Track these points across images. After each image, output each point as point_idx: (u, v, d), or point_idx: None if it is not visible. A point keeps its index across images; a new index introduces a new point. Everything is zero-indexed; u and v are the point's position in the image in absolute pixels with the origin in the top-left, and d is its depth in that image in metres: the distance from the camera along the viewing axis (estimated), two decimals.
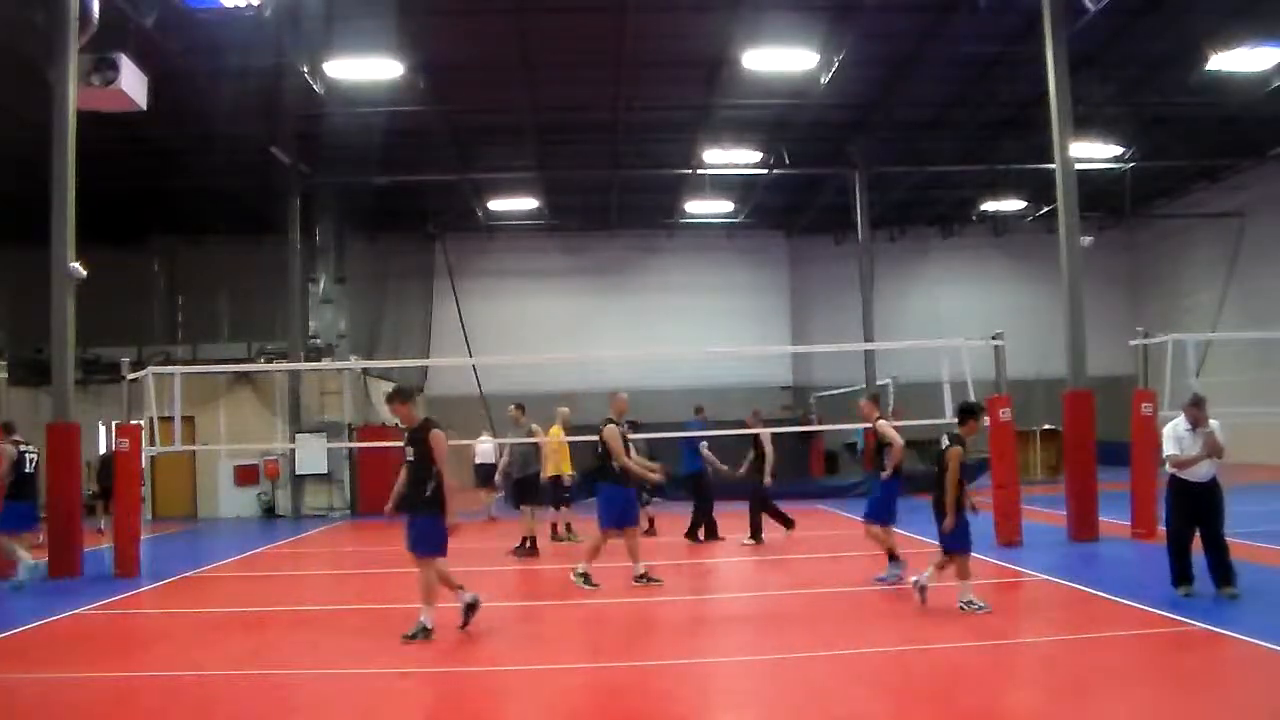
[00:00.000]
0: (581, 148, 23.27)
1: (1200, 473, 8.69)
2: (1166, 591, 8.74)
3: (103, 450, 19.84)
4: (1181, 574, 8.74)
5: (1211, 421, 8.73)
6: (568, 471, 14.57)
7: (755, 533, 14.07)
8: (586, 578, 10.44)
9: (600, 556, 10.60)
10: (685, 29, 17.02)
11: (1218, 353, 23.17)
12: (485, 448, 18.66)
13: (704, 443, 14.42)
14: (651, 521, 15.03)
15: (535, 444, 13.93)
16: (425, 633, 8.01)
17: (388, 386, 25.12)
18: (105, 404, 18.70)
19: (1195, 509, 8.70)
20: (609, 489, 10.53)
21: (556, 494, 14.66)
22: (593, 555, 10.58)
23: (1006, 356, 13.41)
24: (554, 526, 15.09)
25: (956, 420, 9.20)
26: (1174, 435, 8.76)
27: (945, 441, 8.92)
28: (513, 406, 14.26)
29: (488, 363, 27.54)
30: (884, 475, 10.58)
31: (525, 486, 13.98)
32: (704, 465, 14.47)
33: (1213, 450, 8.60)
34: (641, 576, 10.57)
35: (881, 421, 10.70)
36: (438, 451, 7.98)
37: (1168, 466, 8.80)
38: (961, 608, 8.53)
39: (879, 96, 20.16)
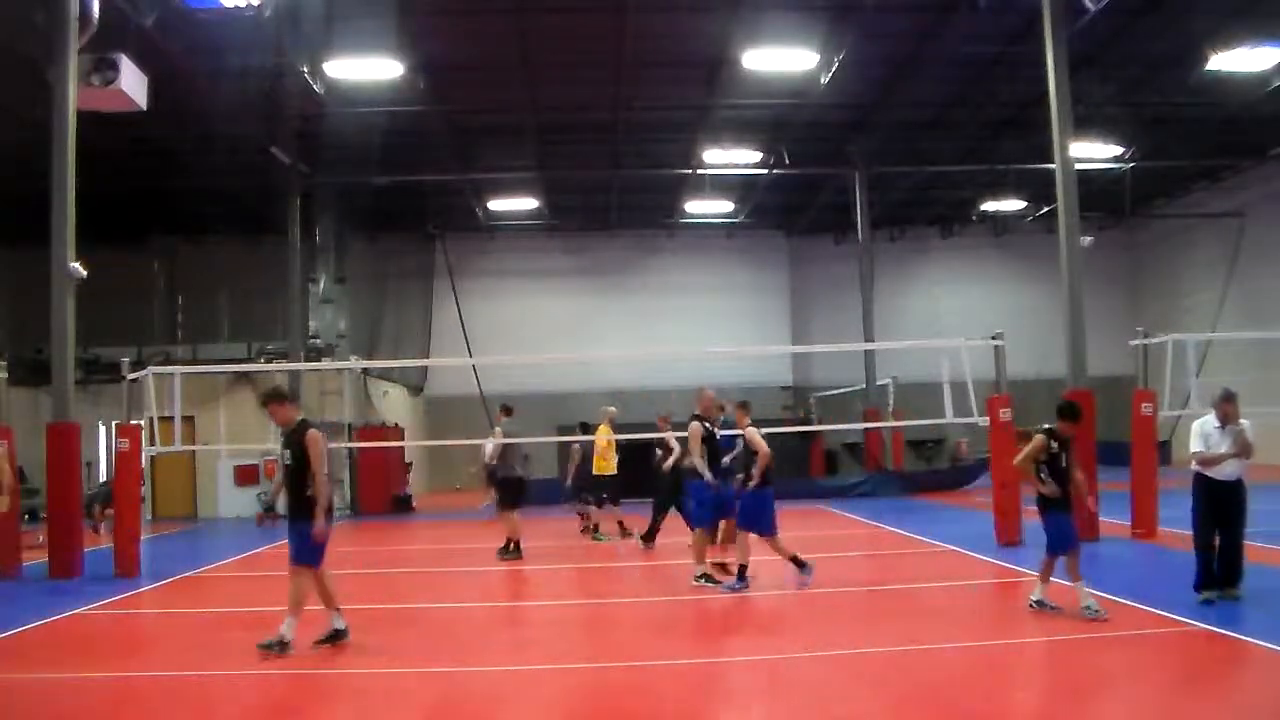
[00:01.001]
0: (581, 148, 23.27)
1: (1226, 471, 8.53)
2: (1167, 591, 8.74)
3: (103, 472, 19.99)
4: (1207, 579, 8.50)
5: (1242, 420, 8.60)
6: (611, 470, 14.77)
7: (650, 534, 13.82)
8: (708, 577, 10.32)
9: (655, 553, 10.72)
10: (685, 29, 17.02)
11: (1218, 353, 23.15)
12: (491, 449, 18.71)
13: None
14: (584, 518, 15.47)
15: (512, 446, 13.87)
16: (282, 646, 7.50)
17: (388, 386, 25.34)
18: (105, 404, 18.70)
19: (1219, 509, 8.53)
20: (698, 486, 10.49)
21: (601, 491, 14.94)
22: (700, 555, 10.53)
23: (1006, 356, 13.41)
24: (603, 523, 15.38)
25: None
26: (1201, 432, 8.59)
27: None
28: (500, 408, 14.43)
29: (488, 363, 27.53)
30: (750, 484, 10.09)
31: (505, 488, 13.92)
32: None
33: (1242, 449, 8.44)
34: (703, 576, 10.42)
35: (750, 429, 10.33)
36: (314, 454, 7.64)
37: (1193, 464, 8.66)
38: (1085, 611, 8.03)
39: (879, 96, 20.15)
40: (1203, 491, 8.58)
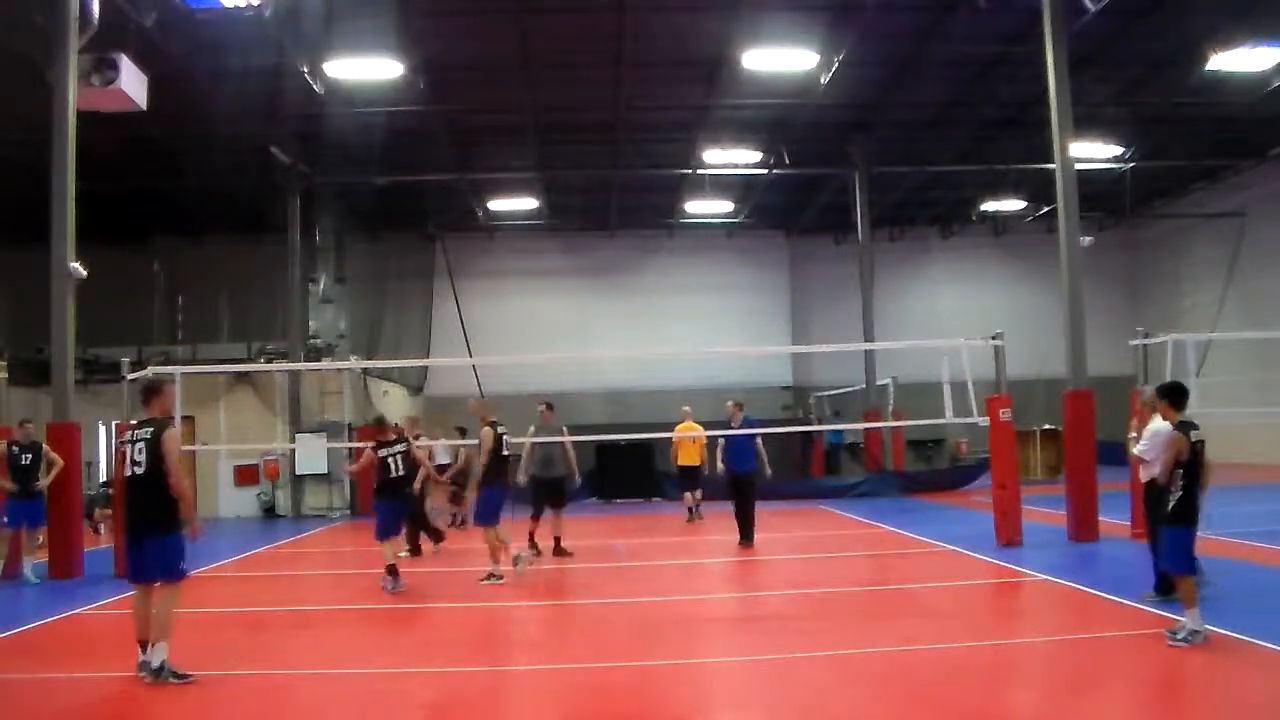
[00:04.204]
0: (581, 148, 23.25)
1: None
2: None
3: (103, 472, 20.05)
4: (1157, 579, 8.66)
5: (1152, 425, 8.58)
6: (695, 462, 16.85)
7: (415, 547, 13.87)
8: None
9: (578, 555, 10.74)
10: (685, 29, 17.01)
11: (1218, 353, 23.16)
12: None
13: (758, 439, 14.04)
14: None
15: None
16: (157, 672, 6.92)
17: (388, 386, 25.32)
18: (105, 404, 18.68)
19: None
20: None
21: (691, 482, 17.15)
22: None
23: (1006, 356, 13.41)
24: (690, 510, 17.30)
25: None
26: None
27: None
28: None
29: (488, 363, 27.50)
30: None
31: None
32: (757, 465, 14.02)
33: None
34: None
35: (416, 443, 11.39)
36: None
37: None
38: (1178, 642, 7.01)
39: (879, 96, 20.13)
40: None
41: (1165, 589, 8.28)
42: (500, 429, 11.24)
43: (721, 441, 14.36)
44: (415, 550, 13.73)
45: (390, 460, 11.29)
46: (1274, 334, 19.44)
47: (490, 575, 11.00)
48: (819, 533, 15.78)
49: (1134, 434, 8.98)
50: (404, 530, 12.68)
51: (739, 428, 13.96)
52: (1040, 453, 24.19)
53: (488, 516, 11.13)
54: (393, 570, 10.80)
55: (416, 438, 13.71)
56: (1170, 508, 7.24)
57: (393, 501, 11.40)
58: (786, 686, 6.74)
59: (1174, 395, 7.61)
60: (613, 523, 18.05)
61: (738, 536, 13.75)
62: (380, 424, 11.78)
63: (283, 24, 15.15)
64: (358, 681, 7.14)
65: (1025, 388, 21.33)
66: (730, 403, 14.70)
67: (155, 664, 6.87)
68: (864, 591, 10.34)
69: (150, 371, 12.83)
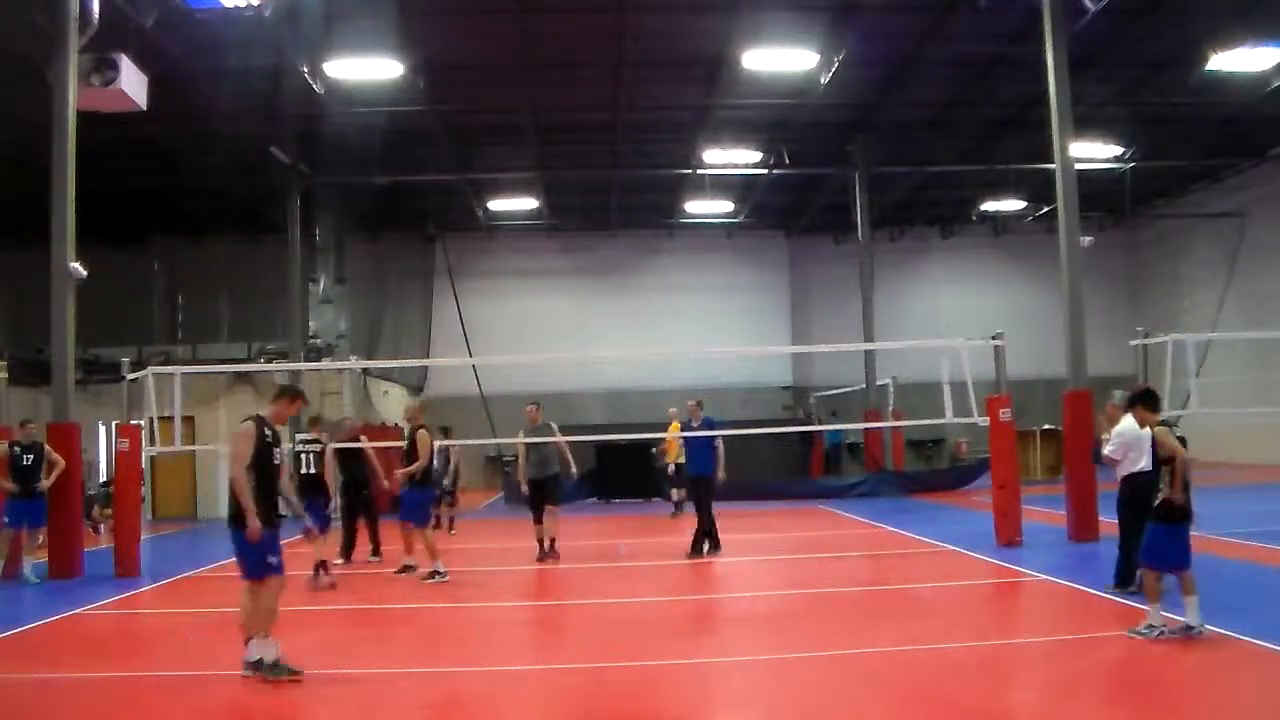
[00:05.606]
0: (581, 148, 23.26)
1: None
2: (1167, 592, 8.73)
3: (103, 472, 20.06)
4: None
5: (1120, 425, 8.82)
6: (676, 460, 17.09)
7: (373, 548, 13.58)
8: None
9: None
10: (685, 29, 17.02)
11: (1218, 353, 23.16)
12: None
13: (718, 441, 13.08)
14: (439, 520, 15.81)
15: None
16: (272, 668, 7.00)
17: (388, 386, 25.34)
18: (105, 404, 18.69)
19: None
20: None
21: (680, 481, 17.37)
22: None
23: (1006, 356, 13.41)
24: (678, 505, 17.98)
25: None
26: None
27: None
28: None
29: (488, 363, 27.53)
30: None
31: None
32: (713, 467, 12.92)
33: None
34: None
35: (330, 447, 11.62)
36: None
37: None
38: (1142, 632, 7.31)
39: (879, 96, 20.14)
40: None
41: (1125, 580, 8.73)
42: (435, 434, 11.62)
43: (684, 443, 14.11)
44: (351, 552, 13.21)
45: (303, 455, 11.34)
46: (1274, 334, 19.45)
47: (434, 573, 11.04)
48: (819, 533, 15.78)
49: (1105, 436, 9.06)
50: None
51: (699, 428, 13.30)
52: (1040, 453, 24.19)
53: (420, 518, 11.37)
54: (317, 568, 10.97)
55: (356, 438, 13.41)
56: (1156, 504, 7.40)
57: (311, 498, 11.09)
58: (786, 686, 6.74)
59: (1149, 400, 7.78)
60: (613, 523, 18.06)
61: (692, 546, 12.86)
62: (314, 421, 12.00)
63: (283, 24, 15.16)
64: (358, 681, 7.14)
65: (1025, 388, 21.32)
66: (690, 401, 13.97)
67: (252, 658, 6.99)
68: (864, 591, 10.34)
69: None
